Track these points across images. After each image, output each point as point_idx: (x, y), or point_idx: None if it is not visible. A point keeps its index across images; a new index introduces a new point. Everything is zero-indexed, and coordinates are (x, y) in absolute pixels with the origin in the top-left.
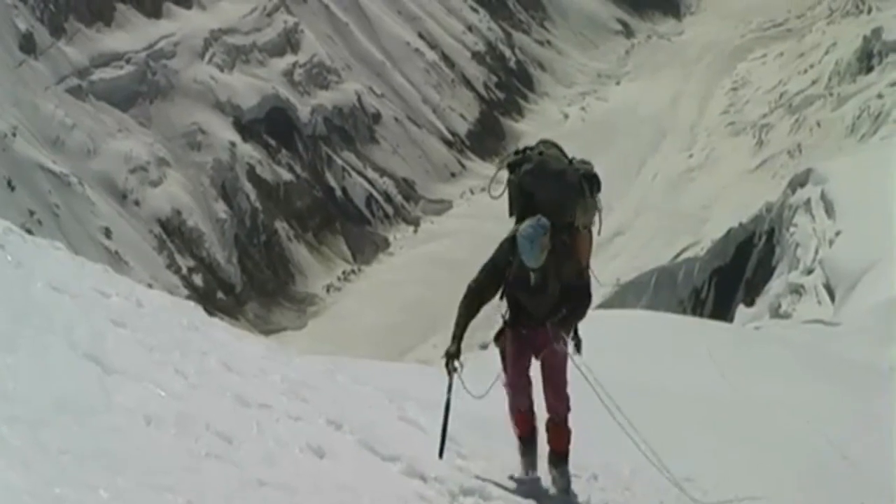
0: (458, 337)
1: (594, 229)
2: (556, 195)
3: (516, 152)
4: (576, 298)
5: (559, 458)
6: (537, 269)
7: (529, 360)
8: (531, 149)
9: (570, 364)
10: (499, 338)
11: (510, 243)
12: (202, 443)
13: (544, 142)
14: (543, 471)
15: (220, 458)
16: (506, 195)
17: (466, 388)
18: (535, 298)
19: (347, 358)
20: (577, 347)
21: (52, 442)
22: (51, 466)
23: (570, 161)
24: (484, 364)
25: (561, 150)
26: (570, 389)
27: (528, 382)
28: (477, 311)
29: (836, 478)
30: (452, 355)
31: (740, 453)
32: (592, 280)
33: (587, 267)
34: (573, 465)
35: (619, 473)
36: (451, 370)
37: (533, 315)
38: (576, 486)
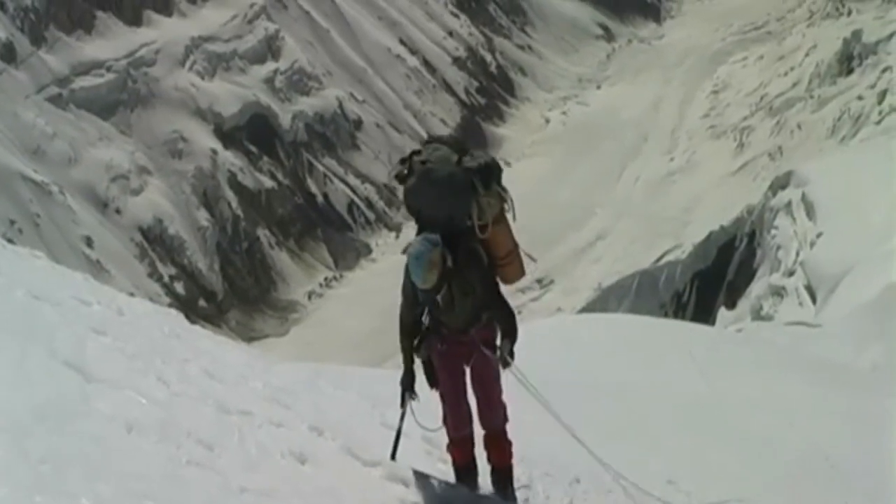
0: (408, 367)
1: (508, 215)
2: (446, 204)
3: (402, 161)
4: (495, 314)
5: (501, 475)
6: (433, 289)
7: (462, 369)
8: (418, 153)
9: (505, 370)
10: (419, 348)
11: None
12: (183, 450)
13: (431, 142)
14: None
15: (201, 465)
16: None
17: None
18: (448, 315)
19: (329, 364)
20: (511, 354)
21: (33, 450)
22: (31, 474)
23: (460, 159)
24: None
25: (452, 145)
26: (505, 397)
27: (464, 394)
28: (416, 335)
29: (818, 479)
30: (406, 385)
31: (722, 455)
32: (524, 258)
33: (515, 248)
34: (557, 468)
35: (602, 477)
36: (404, 400)
37: (452, 326)
38: (558, 489)
